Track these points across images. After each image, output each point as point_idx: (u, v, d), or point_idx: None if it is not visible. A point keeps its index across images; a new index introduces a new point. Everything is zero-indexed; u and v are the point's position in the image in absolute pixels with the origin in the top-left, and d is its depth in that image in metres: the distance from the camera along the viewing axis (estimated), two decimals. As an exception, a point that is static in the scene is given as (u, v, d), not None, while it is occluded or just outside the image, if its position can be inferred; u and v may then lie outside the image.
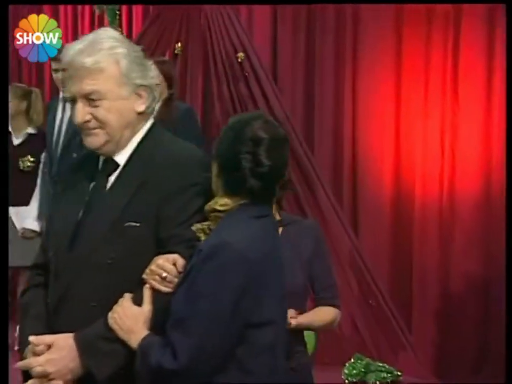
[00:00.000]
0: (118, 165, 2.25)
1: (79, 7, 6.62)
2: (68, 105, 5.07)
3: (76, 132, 4.94)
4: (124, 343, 2.05)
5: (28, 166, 5.14)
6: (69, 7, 6.71)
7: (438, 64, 5.13)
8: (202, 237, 2.09)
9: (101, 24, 6.23)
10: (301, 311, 2.61)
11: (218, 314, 1.96)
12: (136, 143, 2.26)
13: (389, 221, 5.28)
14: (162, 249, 2.13)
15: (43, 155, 5.15)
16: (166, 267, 2.06)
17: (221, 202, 2.07)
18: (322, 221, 5.12)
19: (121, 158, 2.25)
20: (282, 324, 2.12)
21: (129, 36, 6.00)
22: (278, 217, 2.63)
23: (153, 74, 2.28)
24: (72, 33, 6.71)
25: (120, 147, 2.24)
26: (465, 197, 5.02)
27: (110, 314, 2.08)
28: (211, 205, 2.09)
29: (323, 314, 2.68)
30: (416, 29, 5.20)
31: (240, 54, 5.42)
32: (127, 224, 2.16)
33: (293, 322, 2.50)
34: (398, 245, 5.27)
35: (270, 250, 2.09)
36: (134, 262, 2.13)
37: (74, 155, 4.97)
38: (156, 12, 5.77)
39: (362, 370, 4.73)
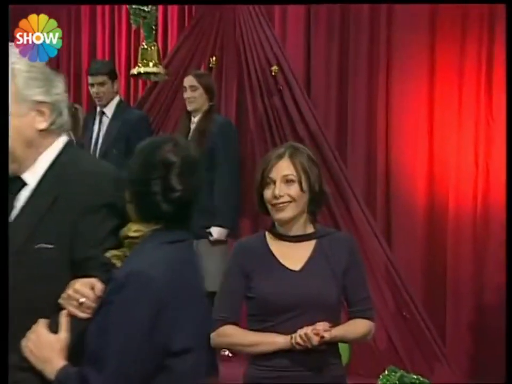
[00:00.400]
0: (25, 184, 2.12)
1: (116, 23, 6.71)
2: (104, 119, 5.16)
3: (111, 145, 5.04)
4: (36, 372, 1.94)
5: None
6: (107, 23, 6.80)
7: (472, 74, 5.11)
8: (118, 264, 2.01)
9: (137, 39, 6.34)
10: (335, 323, 2.61)
11: (132, 346, 1.88)
12: (48, 161, 2.13)
13: (423, 232, 5.26)
14: (78, 272, 2.01)
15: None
16: (83, 292, 1.96)
17: (134, 229, 2.01)
18: (356, 233, 5.12)
19: (30, 176, 2.12)
20: (202, 350, 2.04)
21: (164, 50, 6.06)
22: (312, 230, 2.64)
23: (59, 90, 2.19)
24: (109, 49, 6.83)
25: (25, 165, 2.12)
26: (499, 208, 4.99)
27: (23, 341, 1.95)
28: (125, 231, 2.02)
29: (357, 327, 2.66)
30: (450, 34, 5.15)
31: (274, 67, 5.44)
32: (38, 246, 2.02)
33: (326, 335, 2.48)
34: (432, 257, 5.25)
35: (183, 277, 2.00)
36: (46, 285, 1.99)
37: None
38: (191, 26, 5.82)
39: (396, 382, 4.72)
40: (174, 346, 1.94)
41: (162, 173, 1.99)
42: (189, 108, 4.81)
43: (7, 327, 1.80)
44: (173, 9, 6.35)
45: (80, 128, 5.37)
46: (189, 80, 4.83)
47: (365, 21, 5.50)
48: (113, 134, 5.08)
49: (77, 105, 5.54)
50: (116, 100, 5.19)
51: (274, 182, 2.59)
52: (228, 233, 4.71)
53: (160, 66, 5.48)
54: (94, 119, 5.22)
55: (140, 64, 5.49)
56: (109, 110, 5.16)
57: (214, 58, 5.67)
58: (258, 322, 2.58)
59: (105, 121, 5.16)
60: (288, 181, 2.58)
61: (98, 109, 5.20)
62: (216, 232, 4.66)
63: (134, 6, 5.36)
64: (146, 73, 5.51)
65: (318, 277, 2.56)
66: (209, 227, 4.69)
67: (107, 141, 5.09)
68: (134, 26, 5.69)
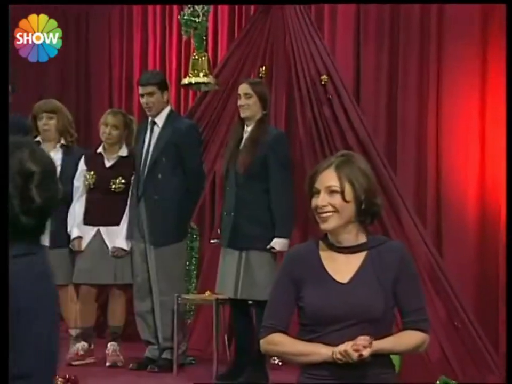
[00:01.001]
0: None
1: (167, 33, 6.80)
2: (155, 128, 5.23)
3: (161, 154, 5.10)
4: None
5: (119, 187, 5.28)
6: (158, 34, 6.90)
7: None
8: None
9: (188, 49, 6.41)
10: (384, 335, 2.57)
11: None
12: None
13: (474, 240, 5.22)
14: None
15: (133, 177, 5.30)
16: None
17: None
18: (406, 241, 5.08)
19: None
20: (42, 377, 1.85)
21: (215, 60, 6.12)
22: (363, 240, 2.62)
23: None
24: (160, 60, 6.92)
25: None
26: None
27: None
28: None
29: (407, 339, 2.61)
30: (501, 37, 5.02)
31: (324, 77, 5.43)
32: None
33: (365, 353, 2.44)
34: (483, 264, 5.20)
35: (34, 293, 1.83)
36: None
37: (159, 176, 5.11)
38: (241, 36, 5.86)
39: (448, 392, 4.67)
40: (16, 370, 1.78)
41: (20, 183, 1.82)
42: (242, 115, 4.83)
43: (7, 327, 1.80)
44: (223, 20, 6.43)
45: (133, 139, 5.44)
46: (243, 88, 4.86)
47: (415, 27, 5.50)
48: (163, 143, 5.14)
49: (131, 117, 5.62)
50: (167, 109, 5.24)
51: (319, 192, 2.59)
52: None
53: (210, 76, 5.53)
54: (146, 128, 5.28)
55: (190, 74, 5.53)
56: (160, 120, 5.21)
57: (263, 67, 5.67)
58: (306, 332, 2.58)
59: (156, 130, 5.21)
60: (331, 192, 2.57)
61: (149, 118, 5.26)
62: (278, 243, 4.65)
63: (185, 17, 5.44)
64: (197, 83, 5.56)
65: (365, 289, 2.55)
66: (263, 237, 4.67)
67: (157, 150, 5.15)
68: (184, 37, 5.75)
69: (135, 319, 5.34)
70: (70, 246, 5.32)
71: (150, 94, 5.18)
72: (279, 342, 2.61)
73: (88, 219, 5.32)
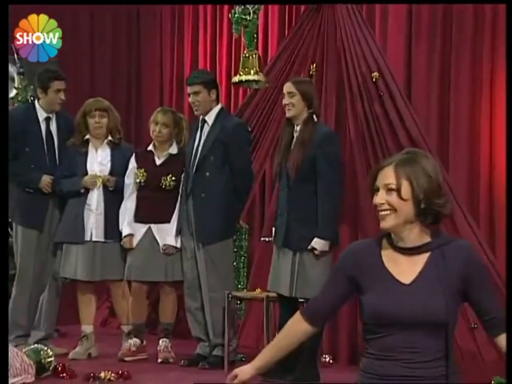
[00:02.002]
0: None
1: (218, 32, 6.82)
2: (205, 127, 5.26)
3: (209, 152, 5.12)
4: None
5: (169, 185, 5.33)
6: (209, 32, 6.92)
7: None
8: None
9: (238, 47, 6.44)
10: (444, 339, 2.50)
11: None
12: None
13: (528, 239, 5.14)
14: None
15: (183, 174, 5.34)
16: None
17: None
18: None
19: None
20: None
21: (265, 58, 6.12)
22: (428, 240, 2.55)
23: None
24: (210, 58, 6.95)
25: None
26: None
27: None
28: None
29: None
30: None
31: (375, 74, 5.40)
32: None
33: None
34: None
35: None
36: None
37: (207, 174, 5.14)
38: (292, 34, 5.85)
39: (502, 393, 4.62)
40: None
41: None
42: (287, 114, 4.83)
43: (7, 327, 1.81)
44: (273, 18, 6.43)
45: (183, 137, 5.48)
46: (287, 87, 4.86)
47: (468, 26, 5.44)
48: (211, 141, 5.17)
49: (180, 115, 5.66)
50: (217, 108, 5.27)
51: (378, 190, 2.57)
52: (330, 244, 4.69)
53: (261, 74, 5.54)
54: (198, 126, 5.33)
55: (241, 72, 5.56)
56: (210, 118, 5.24)
57: (314, 65, 5.65)
58: (368, 332, 2.56)
59: (206, 128, 5.25)
60: (389, 189, 2.53)
61: (201, 117, 5.29)
62: (318, 243, 4.65)
63: (236, 15, 5.46)
64: (247, 81, 5.57)
65: (427, 291, 2.48)
66: (312, 238, 4.68)
67: (205, 148, 5.18)
68: (235, 35, 5.76)
69: (186, 315, 5.37)
70: (122, 243, 5.38)
71: (196, 93, 5.22)
72: (288, 324, 2.71)
73: (139, 216, 5.38)
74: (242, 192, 5.23)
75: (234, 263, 5.40)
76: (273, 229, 4.93)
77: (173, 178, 5.33)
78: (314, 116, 4.77)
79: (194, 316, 5.29)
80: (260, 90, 5.82)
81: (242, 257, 5.47)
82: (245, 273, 5.49)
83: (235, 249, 5.40)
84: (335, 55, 5.62)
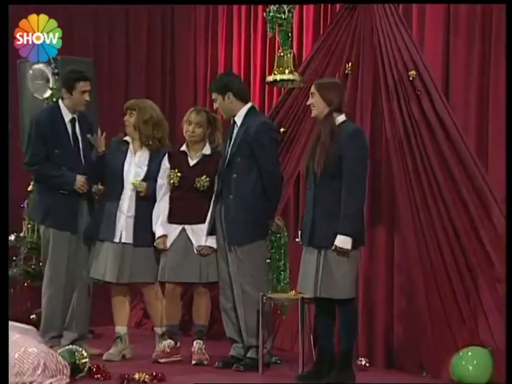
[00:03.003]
0: None
1: (252, 31, 6.82)
2: (235, 127, 5.25)
3: (236, 153, 5.12)
4: None
5: (203, 186, 5.33)
6: (243, 31, 6.92)
7: None
8: None
9: (273, 46, 6.45)
10: None
11: None
12: None
13: None
14: None
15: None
16: None
17: None
18: (497, 239, 5.03)
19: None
20: None
21: (300, 56, 6.10)
22: None
23: None
24: (245, 57, 6.94)
25: None
26: None
27: None
28: None
29: None
30: None
31: (412, 72, 5.36)
32: None
33: None
34: None
35: None
36: None
37: (234, 175, 5.14)
38: (327, 33, 5.84)
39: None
40: None
41: None
42: (312, 114, 4.89)
43: (7, 327, 1.83)
44: (308, 16, 6.40)
45: (216, 137, 5.49)
46: (311, 88, 4.89)
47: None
48: (237, 142, 5.18)
49: (214, 115, 5.67)
50: (246, 108, 5.26)
51: None
52: (355, 242, 4.67)
53: (295, 73, 5.52)
54: (233, 129, 5.32)
55: (275, 72, 5.56)
56: (239, 119, 5.25)
57: (349, 64, 5.64)
58: None
59: (235, 129, 5.26)
60: None
61: (232, 120, 5.31)
62: (338, 239, 4.63)
63: (271, 14, 5.45)
64: (282, 80, 5.57)
65: None
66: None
67: (233, 149, 5.19)
68: (269, 34, 5.74)
69: (221, 316, 5.37)
70: (155, 244, 5.39)
71: (214, 99, 5.30)
72: None
73: (173, 217, 5.38)
74: (271, 192, 5.21)
75: (274, 263, 5.30)
76: (300, 230, 4.93)
77: (207, 179, 5.33)
78: (335, 114, 4.75)
79: (228, 316, 5.29)
80: (295, 90, 5.80)
81: (283, 257, 5.34)
82: (287, 274, 5.34)
83: (273, 250, 5.32)
84: (371, 53, 5.59)
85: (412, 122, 5.38)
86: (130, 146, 5.54)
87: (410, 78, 5.37)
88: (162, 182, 5.44)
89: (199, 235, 5.34)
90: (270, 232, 5.27)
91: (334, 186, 4.66)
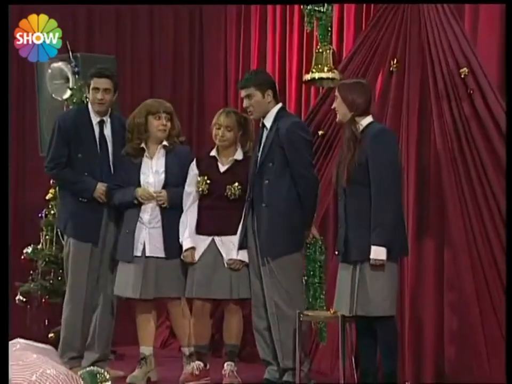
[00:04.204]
0: None
1: (288, 25, 6.78)
2: (265, 130, 5.18)
3: (267, 158, 5.05)
4: None
5: (235, 194, 5.21)
6: (278, 26, 6.90)
7: None
8: None
9: (311, 41, 6.42)
10: None
11: None
12: None
13: None
14: None
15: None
16: None
17: None
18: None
19: None
20: None
21: (340, 52, 6.09)
22: None
23: None
24: (279, 54, 6.91)
25: None
26: None
27: None
28: None
29: None
30: None
31: (464, 70, 5.29)
32: None
33: None
34: None
35: None
36: None
37: (266, 182, 5.07)
38: (369, 27, 5.77)
39: None
40: None
41: None
42: (337, 119, 4.87)
43: (7, 326, 1.80)
44: (349, 9, 6.36)
45: (248, 140, 5.39)
46: (335, 90, 4.87)
47: None
48: (268, 146, 5.11)
49: (245, 115, 5.55)
50: (276, 108, 5.18)
51: None
52: (393, 254, 4.58)
53: (335, 71, 5.49)
54: (262, 132, 5.23)
55: (313, 70, 5.52)
56: (268, 121, 5.17)
57: (395, 61, 5.59)
58: None
59: (265, 132, 5.19)
60: None
61: (261, 120, 5.22)
62: (373, 251, 4.55)
63: (308, 7, 5.42)
64: (320, 79, 5.54)
65: None
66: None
67: (264, 153, 5.12)
68: (307, 29, 5.71)
69: (254, 336, 5.29)
70: (182, 257, 5.29)
71: (249, 96, 5.18)
72: None
73: (202, 228, 5.28)
74: (306, 199, 5.12)
75: (309, 279, 5.27)
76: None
77: (239, 186, 5.21)
78: (359, 118, 4.70)
79: (262, 336, 5.22)
80: (334, 89, 5.71)
81: (318, 272, 5.28)
82: (323, 291, 5.33)
83: (309, 264, 5.29)
84: (419, 49, 5.53)
85: (463, 123, 5.32)
86: (147, 152, 5.42)
87: (462, 76, 5.31)
88: (191, 189, 5.33)
89: (229, 248, 5.23)
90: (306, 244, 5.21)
91: (364, 195, 4.61)
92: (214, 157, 5.36)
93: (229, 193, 5.22)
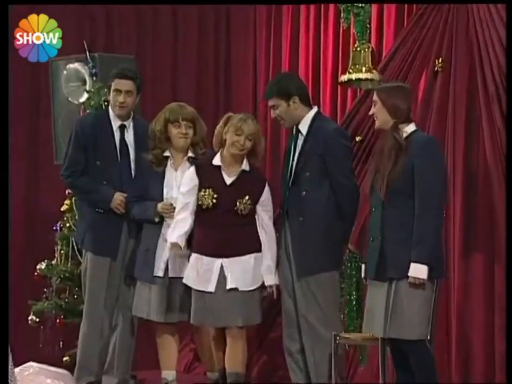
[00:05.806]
0: None
1: (322, 22, 6.78)
2: (300, 137, 5.17)
3: (304, 167, 5.05)
4: None
5: (245, 208, 5.05)
6: (311, 23, 6.88)
7: None
8: None
9: (347, 39, 6.39)
10: None
11: None
12: None
13: None
14: None
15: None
16: None
17: None
18: None
19: None
20: None
21: (379, 51, 6.06)
22: None
23: None
24: (313, 54, 6.88)
25: None
26: None
27: None
28: None
29: None
30: None
31: (518, 73, 5.29)
32: None
33: None
34: None
35: None
36: None
37: (303, 193, 5.06)
38: (412, 24, 5.76)
39: None
40: None
41: None
42: (375, 126, 4.84)
43: (7, 325, 1.76)
44: (389, 5, 6.27)
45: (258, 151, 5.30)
46: (374, 95, 4.82)
47: None
48: (305, 154, 5.08)
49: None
50: (311, 113, 5.15)
51: None
52: (432, 273, 4.51)
53: (374, 71, 5.53)
54: (293, 137, 5.21)
55: (350, 70, 5.55)
56: (303, 127, 5.13)
57: (439, 60, 5.57)
58: None
59: (300, 139, 5.15)
60: None
61: (295, 126, 5.19)
62: (412, 269, 4.48)
63: (345, 2, 5.47)
64: (358, 80, 5.57)
65: None
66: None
67: (300, 162, 5.09)
68: (343, 25, 5.75)
69: (286, 359, 5.24)
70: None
71: (274, 106, 5.16)
72: None
73: (206, 248, 5.08)
74: (346, 211, 5.10)
75: (345, 297, 5.29)
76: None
77: (249, 201, 5.06)
78: (402, 125, 4.64)
79: (294, 359, 5.19)
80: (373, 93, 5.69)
81: (354, 290, 5.27)
82: (359, 310, 5.31)
83: (344, 281, 5.30)
84: (467, 47, 5.52)
85: (517, 128, 5.27)
86: (170, 162, 5.31)
87: (516, 79, 5.29)
88: (189, 200, 5.09)
89: (237, 270, 5.05)
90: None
91: (405, 206, 4.56)
92: (218, 166, 5.15)
93: (241, 207, 5.05)
